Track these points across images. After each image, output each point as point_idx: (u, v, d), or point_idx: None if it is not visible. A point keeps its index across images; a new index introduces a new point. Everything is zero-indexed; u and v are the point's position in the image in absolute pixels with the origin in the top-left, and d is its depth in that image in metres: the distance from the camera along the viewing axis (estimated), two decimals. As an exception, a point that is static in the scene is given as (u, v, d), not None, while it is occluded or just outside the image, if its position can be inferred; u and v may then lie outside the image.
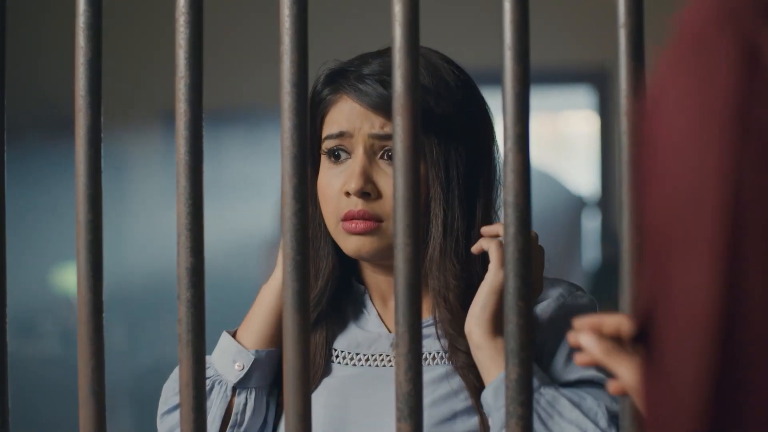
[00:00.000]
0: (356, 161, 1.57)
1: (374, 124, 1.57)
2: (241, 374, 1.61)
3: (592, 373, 1.54)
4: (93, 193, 0.92)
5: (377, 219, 1.57)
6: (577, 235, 5.67)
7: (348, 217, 1.57)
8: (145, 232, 5.62)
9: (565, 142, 6.40)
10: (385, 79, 1.57)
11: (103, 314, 0.94)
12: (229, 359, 1.62)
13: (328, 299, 1.64)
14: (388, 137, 1.56)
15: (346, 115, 1.58)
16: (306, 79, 0.90)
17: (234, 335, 1.65)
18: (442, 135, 1.56)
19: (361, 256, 1.59)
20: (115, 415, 5.41)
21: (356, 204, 1.56)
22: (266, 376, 1.63)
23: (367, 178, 1.56)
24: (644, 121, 0.71)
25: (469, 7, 5.72)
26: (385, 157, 1.57)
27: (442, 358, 1.57)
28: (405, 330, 0.90)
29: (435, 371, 1.58)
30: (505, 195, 0.90)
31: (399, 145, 0.89)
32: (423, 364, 1.62)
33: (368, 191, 1.56)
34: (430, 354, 1.59)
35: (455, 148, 1.57)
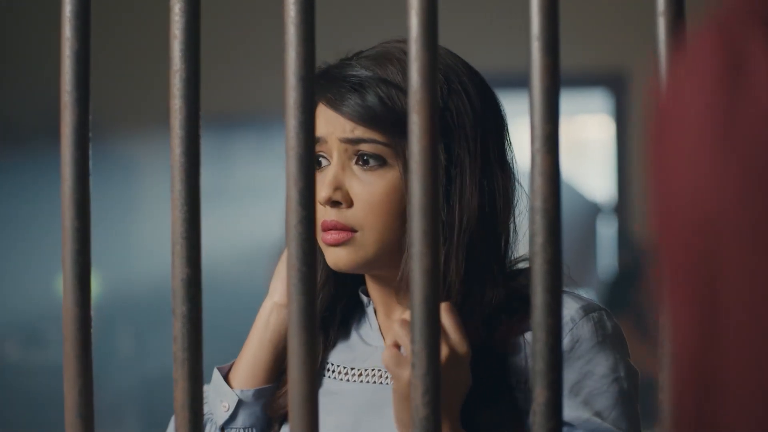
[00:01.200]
0: (329, 168, 1.50)
1: (345, 128, 1.49)
2: (227, 415, 1.56)
3: (588, 417, 1.43)
4: (80, 198, 0.84)
5: (351, 229, 1.49)
6: (593, 242, 5.59)
7: (323, 228, 1.50)
8: (155, 238, 5.56)
9: (579, 146, 6.32)
10: (361, 82, 1.49)
11: (92, 329, 0.86)
12: (217, 398, 1.58)
13: (320, 313, 1.58)
14: (359, 141, 1.48)
15: (321, 120, 1.51)
16: (313, 72, 0.82)
17: (229, 371, 1.60)
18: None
19: (339, 268, 1.51)
20: (123, 423, 5.35)
21: (329, 214, 1.49)
22: (257, 414, 1.57)
23: (337, 186, 1.49)
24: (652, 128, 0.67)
25: (489, 4, 5.65)
26: (360, 163, 1.49)
27: None
28: (422, 348, 0.82)
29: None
30: (533, 200, 0.81)
31: (415, 146, 0.81)
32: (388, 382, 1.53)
33: (338, 199, 1.48)
34: None
35: None
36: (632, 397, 1.47)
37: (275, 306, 1.58)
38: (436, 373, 0.83)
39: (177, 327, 0.82)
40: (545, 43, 0.81)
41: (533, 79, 0.82)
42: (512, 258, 1.55)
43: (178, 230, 0.82)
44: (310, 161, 0.82)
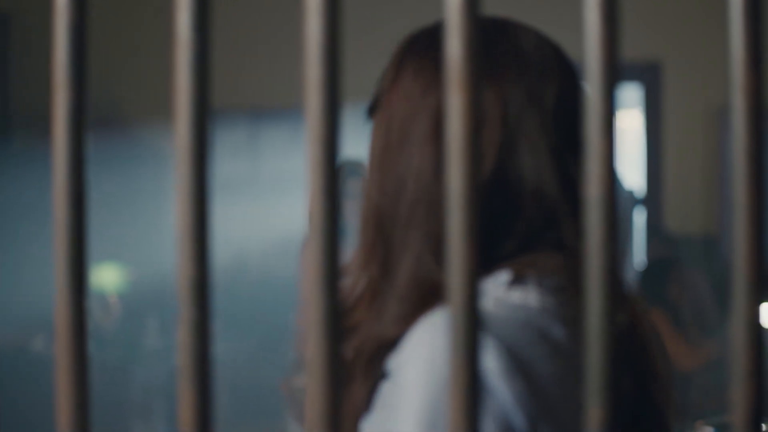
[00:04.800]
0: None
1: None
2: None
3: None
4: (76, 188, 0.74)
5: None
6: (628, 232, 5.49)
7: None
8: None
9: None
10: None
11: (88, 336, 0.76)
12: None
13: None
14: None
15: None
16: (338, 43, 0.72)
17: None
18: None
19: None
20: (151, 416, 5.30)
21: None
22: None
23: None
24: None
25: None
26: None
27: None
28: (459, 365, 0.72)
29: None
30: (587, 189, 0.71)
31: (454, 127, 0.70)
32: None
33: None
34: None
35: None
36: None
37: None
38: (473, 394, 0.72)
39: (183, 335, 0.73)
40: (604, 12, 0.71)
41: (589, 51, 0.71)
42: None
43: (184, 225, 0.72)
44: (334, 145, 0.72)
